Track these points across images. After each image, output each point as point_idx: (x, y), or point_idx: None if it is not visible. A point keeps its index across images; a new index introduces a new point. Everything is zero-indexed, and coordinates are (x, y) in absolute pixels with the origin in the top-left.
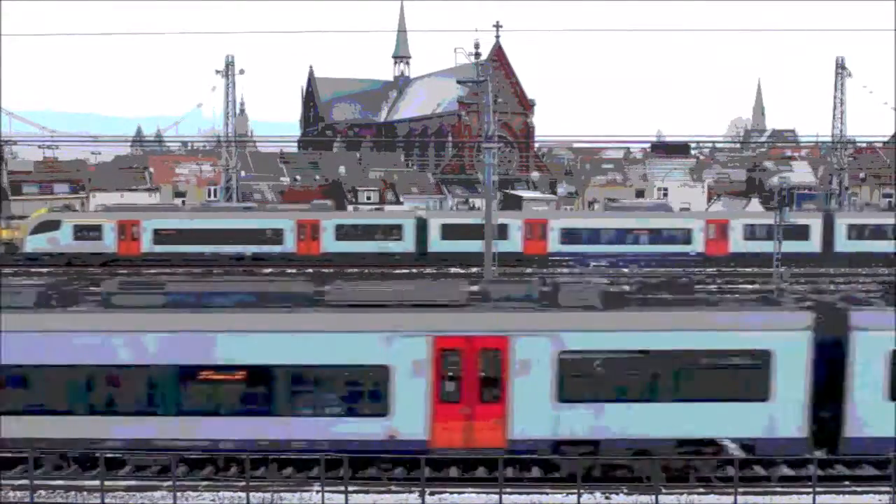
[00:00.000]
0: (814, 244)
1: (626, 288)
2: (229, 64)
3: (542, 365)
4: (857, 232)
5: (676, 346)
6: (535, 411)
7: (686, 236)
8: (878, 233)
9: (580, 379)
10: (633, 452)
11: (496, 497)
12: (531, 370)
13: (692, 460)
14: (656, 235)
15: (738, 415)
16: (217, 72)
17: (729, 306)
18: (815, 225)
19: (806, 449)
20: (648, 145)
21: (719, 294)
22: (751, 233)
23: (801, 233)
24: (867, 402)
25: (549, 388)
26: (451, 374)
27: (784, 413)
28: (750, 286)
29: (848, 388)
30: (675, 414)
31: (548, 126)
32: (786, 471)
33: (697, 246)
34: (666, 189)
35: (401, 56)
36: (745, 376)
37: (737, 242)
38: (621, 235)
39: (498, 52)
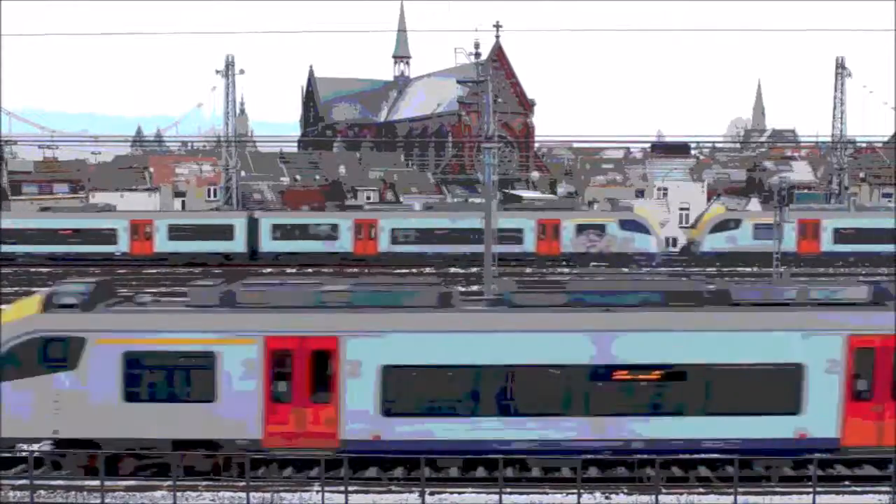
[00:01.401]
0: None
1: None
2: (229, 64)
3: None
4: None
5: None
6: None
7: (518, 236)
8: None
9: None
10: None
11: (496, 497)
12: None
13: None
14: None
15: None
16: (217, 72)
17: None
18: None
19: None
20: (648, 145)
21: None
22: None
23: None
24: None
25: None
26: (863, 372)
27: None
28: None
29: None
30: None
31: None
32: (786, 471)
33: (529, 246)
34: (666, 189)
35: (401, 56)
36: None
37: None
38: (446, 233)
39: (498, 52)
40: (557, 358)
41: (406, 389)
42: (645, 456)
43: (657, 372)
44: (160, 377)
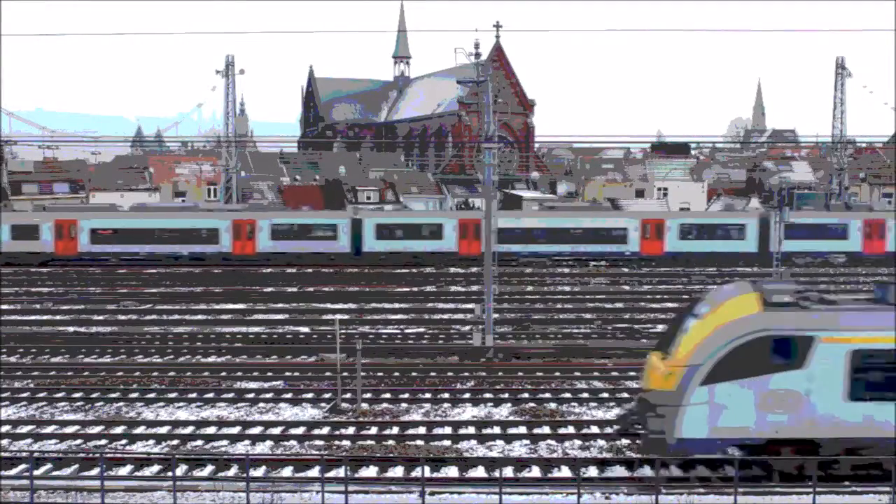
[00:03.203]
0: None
1: None
2: (229, 64)
3: None
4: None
5: None
6: None
7: (439, 231)
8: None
9: None
10: None
11: (496, 497)
12: None
13: None
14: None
15: None
16: (217, 72)
17: None
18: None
19: None
20: (648, 145)
21: None
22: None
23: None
24: None
25: None
26: None
27: None
28: None
29: None
30: None
31: (548, 126)
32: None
33: (449, 245)
34: (666, 189)
35: (401, 56)
36: None
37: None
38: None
39: (498, 52)
40: None
41: None
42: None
43: None
44: (885, 376)
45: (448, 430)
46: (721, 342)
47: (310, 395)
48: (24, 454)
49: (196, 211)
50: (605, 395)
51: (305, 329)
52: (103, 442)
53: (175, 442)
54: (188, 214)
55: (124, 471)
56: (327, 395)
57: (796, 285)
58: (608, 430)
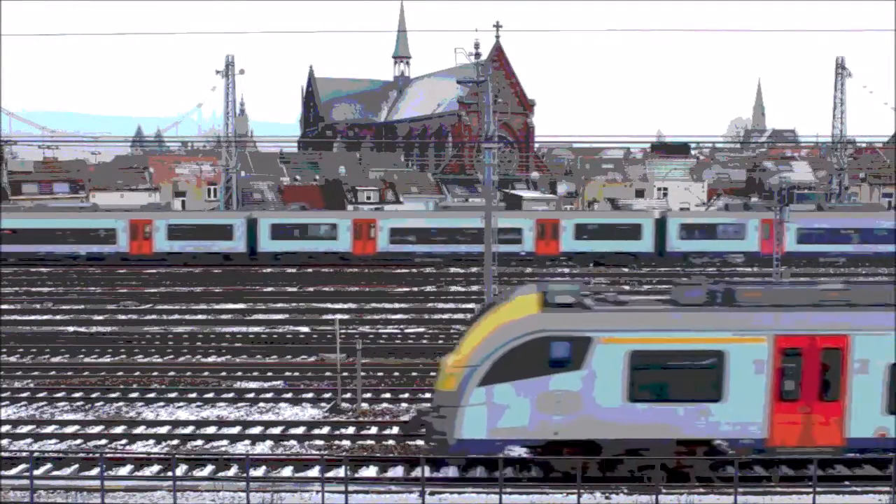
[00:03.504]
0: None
1: None
2: (229, 64)
3: None
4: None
5: None
6: None
7: (333, 231)
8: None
9: None
10: None
11: (496, 497)
12: None
13: None
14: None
15: None
16: (217, 72)
17: None
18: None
19: None
20: (648, 145)
21: None
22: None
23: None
24: None
25: None
26: None
27: None
28: None
29: None
30: None
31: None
32: (786, 471)
33: (344, 246)
34: (666, 189)
35: (401, 56)
36: None
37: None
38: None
39: (498, 52)
40: None
41: None
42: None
43: None
44: (665, 377)
45: None
46: (499, 343)
47: (310, 395)
48: (24, 454)
49: (94, 211)
50: None
51: (305, 329)
52: (103, 442)
53: (175, 442)
54: (86, 215)
55: (124, 471)
56: (327, 395)
57: (589, 286)
58: None
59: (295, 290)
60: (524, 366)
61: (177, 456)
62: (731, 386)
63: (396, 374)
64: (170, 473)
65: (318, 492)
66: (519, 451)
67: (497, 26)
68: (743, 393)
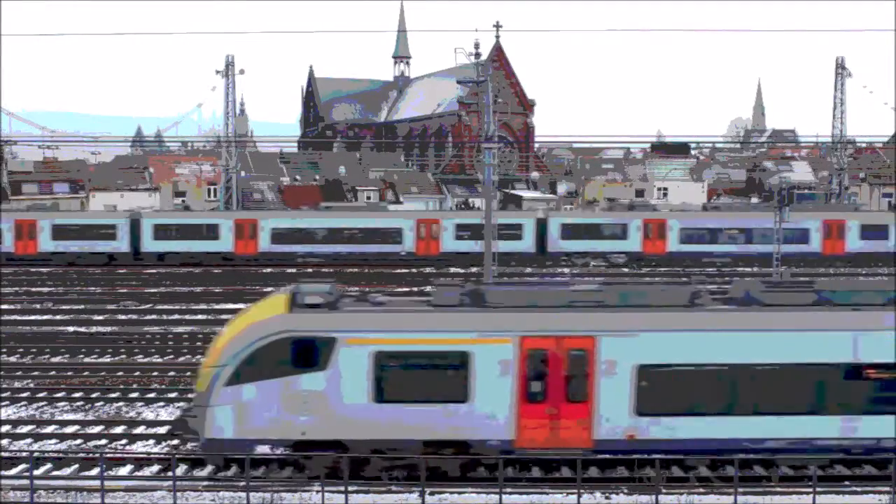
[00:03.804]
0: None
1: None
2: (229, 64)
3: None
4: None
5: None
6: None
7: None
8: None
9: None
10: None
11: (496, 497)
12: None
13: None
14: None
15: None
16: (217, 72)
17: None
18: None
19: None
20: (648, 145)
21: None
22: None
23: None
24: None
25: None
26: None
27: None
28: None
29: None
30: None
31: (548, 126)
32: (785, 471)
33: (226, 246)
34: (666, 189)
35: (401, 56)
36: None
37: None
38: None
39: (498, 52)
40: (809, 357)
41: (659, 389)
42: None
43: None
44: (411, 377)
45: None
46: (245, 343)
47: None
48: (24, 454)
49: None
50: None
51: None
52: (103, 442)
53: (175, 442)
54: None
55: (124, 471)
56: None
57: (342, 287)
58: None
59: None
60: (270, 366)
61: (177, 456)
62: (477, 387)
63: None
64: (170, 473)
65: (318, 492)
66: (266, 450)
67: (497, 26)
68: (489, 394)
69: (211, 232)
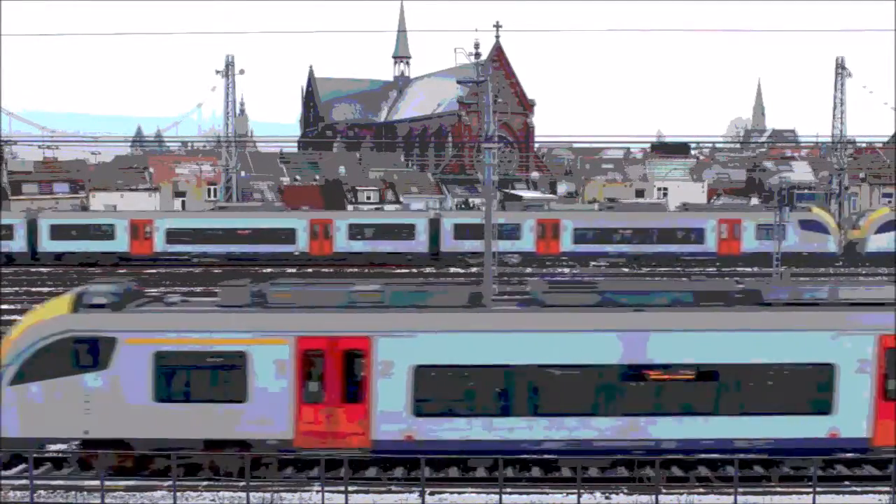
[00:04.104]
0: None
1: None
2: (229, 64)
3: None
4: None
5: None
6: None
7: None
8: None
9: None
10: None
11: (496, 497)
12: None
13: None
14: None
15: None
16: (217, 72)
17: None
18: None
19: None
20: (648, 145)
21: None
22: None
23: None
24: None
25: None
26: (893, 372)
27: None
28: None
29: None
30: None
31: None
32: (786, 471)
33: (121, 246)
34: (666, 189)
35: (401, 56)
36: None
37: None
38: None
39: (498, 52)
40: (589, 358)
41: (438, 389)
42: (676, 456)
43: (689, 372)
44: (191, 377)
45: None
46: (28, 343)
47: None
48: (24, 454)
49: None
50: None
51: None
52: None
53: None
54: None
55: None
56: None
57: (124, 287)
58: None
59: None
60: (53, 366)
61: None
62: (255, 387)
63: None
64: (170, 473)
65: (318, 492)
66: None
67: (497, 26)
68: (267, 394)
69: (107, 232)
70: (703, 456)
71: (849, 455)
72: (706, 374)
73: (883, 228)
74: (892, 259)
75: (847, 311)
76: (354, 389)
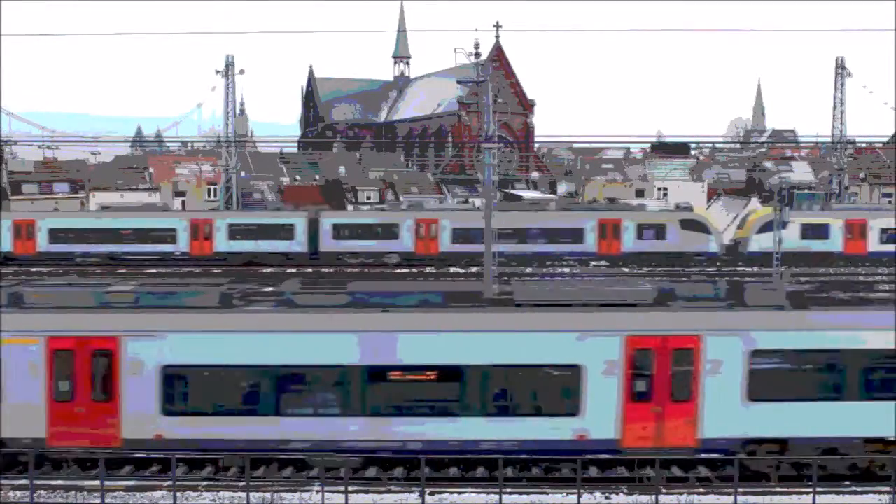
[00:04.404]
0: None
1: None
2: (229, 64)
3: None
4: None
5: (865, 345)
6: (726, 410)
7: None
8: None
9: (770, 378)
10: (821, 451)
11: (496, 497)
12: (723, 369)
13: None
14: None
15: None
16: (217, 72)
17: None
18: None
19: None
20: (648, 145)
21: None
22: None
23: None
24: None
25: (739, 387)
26: (642, 373)
27: None
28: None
29: None
30: (864, 413)
31: (548, 126)
32: (784, 470)
33: (5, 246)
34: (666, 189)
35: (401, 56)
36: None
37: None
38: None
39: (498, 52)
40: (334, 358)
41: (186, 389)
42: (422, 456)
43: (433, 373)
44: None
45: None
46: None
47: None
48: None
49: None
50: None
51: None
52: None
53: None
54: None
55: (124, 471)
56: None
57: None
58: None
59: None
60: None
61: (177, 456)
62: (8, 386)
63: None
64: (170, 473)
65: (318, 492)
66: None
67: (497, 26)
68: (20, 393)
69: None
70: (706, 456)
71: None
72: (451, 375)
73: (764, 228)
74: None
75: (594, 311)
76: (104, 389)
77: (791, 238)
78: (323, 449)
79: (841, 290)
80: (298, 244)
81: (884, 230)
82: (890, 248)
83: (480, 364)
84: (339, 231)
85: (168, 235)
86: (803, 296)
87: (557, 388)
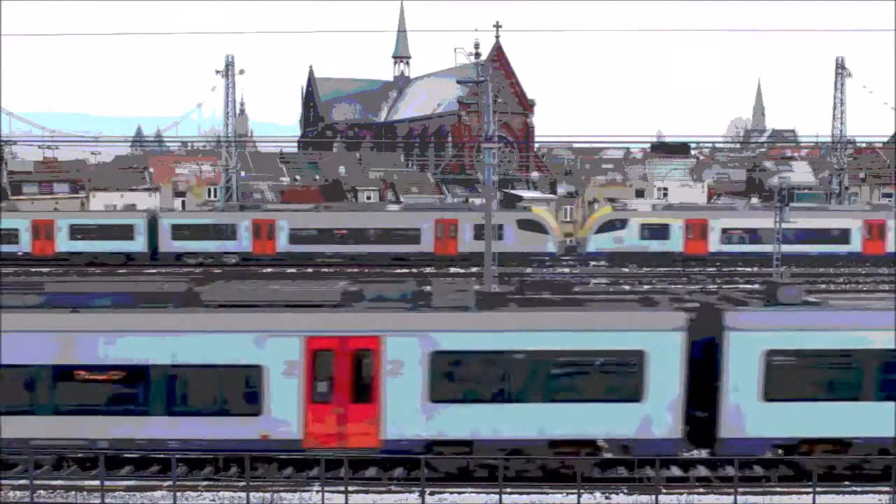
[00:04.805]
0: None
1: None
2: (229, 64)
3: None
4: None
5: (552, 346)
6: (408, 411)
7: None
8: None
9: (453, 379)
10: (507, 452)
11: (496, 497)
12: (404, 370)
13: (567, 460)
14: None
15: (612, 415)
16: (217, 72)
17: (605, 306)
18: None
19: (679, 449)
20: (648, 145)
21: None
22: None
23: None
24: (742, 402)
25: (421, 388)
26: (323, 374)
27: (657, 414)
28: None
29: (723, 389)
30: (549, 414)
31: (548, 126)
32: (784, 470)
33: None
34: (666, 189)
35: (401, 56)
36: (620, 377)
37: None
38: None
39: (498, 52)
40: (27, 358)
41: None
42: (112, 452)
43: (120, 372)
44: None
45: None
46: None
47: None
48: (23, 454)
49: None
50: None
51: None
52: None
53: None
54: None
55: (124, 471)
56: None
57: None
58: None
59: None
60: None
61: (177, 456)
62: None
63: None
64: (170, 473)
65: (318, 491)
66: None
67: (497, 26)
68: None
69: None
70: (699, 457)
71: (848, 457)
72: (137, 375)
73: (603, 228)
74: (610, 258)
75: (275, 312)
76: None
77: (631, 238)
78: (10, 448)
79: (552, 291)
80: (138, 245)
81: (725, 230)
82: (731, 248)
83: (165, 364)
84: (178, 232)
85: (10, 236)
86: (497, 296)
87: (241, 389)
